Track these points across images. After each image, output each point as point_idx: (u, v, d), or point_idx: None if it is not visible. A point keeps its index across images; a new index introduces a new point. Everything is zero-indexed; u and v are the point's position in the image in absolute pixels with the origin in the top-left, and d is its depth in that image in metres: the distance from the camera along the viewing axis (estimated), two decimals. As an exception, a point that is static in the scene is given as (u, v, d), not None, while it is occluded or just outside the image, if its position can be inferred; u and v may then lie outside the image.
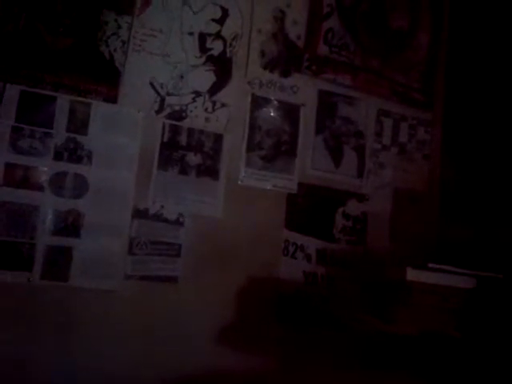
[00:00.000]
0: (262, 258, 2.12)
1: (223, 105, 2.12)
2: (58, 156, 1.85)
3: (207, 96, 2.10)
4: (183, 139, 2.05)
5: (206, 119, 2.09)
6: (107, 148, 1.93)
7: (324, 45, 2.33)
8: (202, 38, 2.12)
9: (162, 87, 2.03)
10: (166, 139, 2.02)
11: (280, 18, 2.26)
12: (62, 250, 1.84)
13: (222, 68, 2.14)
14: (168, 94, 2.04)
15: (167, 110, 2.03)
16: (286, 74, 2.25)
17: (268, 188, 2.17)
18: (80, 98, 1.90)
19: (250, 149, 2.16)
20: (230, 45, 2.16)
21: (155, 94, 2.02)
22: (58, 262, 1.83)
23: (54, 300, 1.82)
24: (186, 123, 2.06)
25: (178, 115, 2.05)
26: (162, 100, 2.03)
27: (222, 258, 2.05)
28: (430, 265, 1.86)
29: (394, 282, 1.89)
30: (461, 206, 2.35)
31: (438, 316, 1.81)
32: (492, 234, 2.11)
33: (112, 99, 1.95)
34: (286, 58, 2.26)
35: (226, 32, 2.16)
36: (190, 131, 2.06)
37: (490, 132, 2.29)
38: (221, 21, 2.15)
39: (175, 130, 2.04)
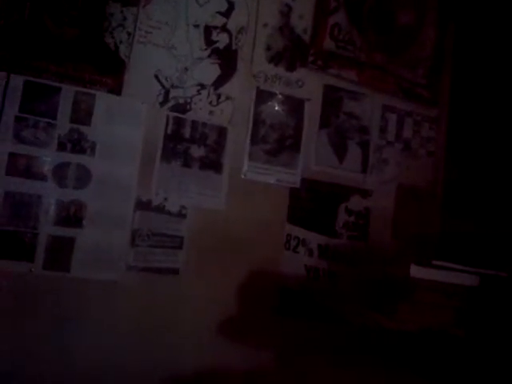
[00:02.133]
0: (263, 251, 2.12)
1: (228, 98, 2.12)
2: (61, 146, 1.85)
3: (212, 89, 2.10)
4: (187, 132, 2.05)
5: (211, 112, 2.09)
6: (111, 139, 1.92)
7: (330, 39, 2.32)
8: (208, 30, 2.11)
9: (166, 79, 2.03)
10: (169, 131, 2.02)
11: (286, 11, 2.25)
12: (64, 241, 1.84)
13: (227, 61, 2.14)
14: (172, 87, 2.03)
15: (171, 102, 2.03)
16: (291, 68, 2.25)
17: (271, 182, 2.17)
18: (84, 89, 1.90)
19: (253, 142, 2.16)
20: (236, 38, 2.15)
21: (160, 86, 2.02)
22: (60, 253, 1.83)
23: (55, 290, 1.82)
24: (190, 116, 2.05)
25: (182, 108, 2.05)
26: (167, 92, 2.02)
27: (224, 252, 2.05)
28: (434, 262, 1.85)
29: (397, 278, 1.89)
30: (464, 202, 2.35)
31: (440, 313, 1.81)
32: (496, 231, 2.11)
33: (116, 91, 1.95)
34: (291, 52, 2.25)
35: (232, 25, 2.15)
36: (194, 124, 2.06)
37: (495, 129, 2.29)
38: (227, 14, 2.14)
39: (179, 123, 2.04)
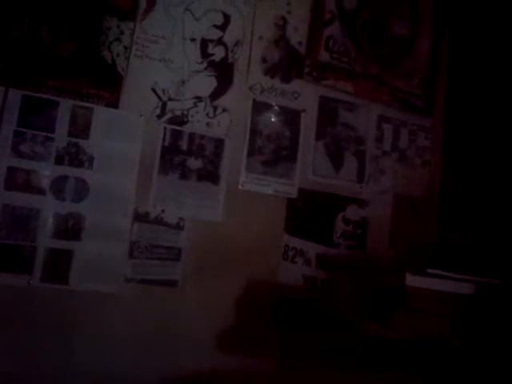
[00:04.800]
0: (261, 262, 2.13)
1: (224, 110, 2.14)
2: (59, 160, 1.87)
3: (208, 101, 2.12)
4: (184, 144, 2.06)
5: (207, 124, 2.11)
6: (108, 152, 1.94)
7: (325, 51, 2.34)
8: (204, 43, 2.13)
9: (163, 92, 2.05)
10: (167, 144, 2.04)
11: (281, 24, 2.27)
12: (62, 253, 1.85)
13: (224, 73, 2.16)
14: (169, 99, 2.05)
15: (168, 115, 2.05)
16: (287, 79, 2.26)
17: (268, 193, 2.18)
18: (82, 103, 1.92)
19: (250, 154, 2.17)
20: (232, 51, 2.18)
21: (157, 98, 2.03)
22: (59, 265, 1.84)
23: (53, 303, 1.83)
24: (187, 128, 2.07)
25: (180, 120, 2.06)
26: (164, 105, 2.04)
27: (222, 262, 2.05)
28: (429, 270, 1.86)
29: (393, 287, 1.89)
30: (460, 211, 2.35)
31: (436, 322, 1.81)
32: (491, 240, 2.11)
33: (114, 104, 1.97)
34: (287, 64, 2.27)
35: (228, 38, 2.17)
36: (191, 136, 2.08)
37: (490, 138, 2.30)
38: (223, 27, 2.16)
39: (176, 135, 2.05)
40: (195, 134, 2.08)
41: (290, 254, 2.19)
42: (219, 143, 2.12)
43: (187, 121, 2.08)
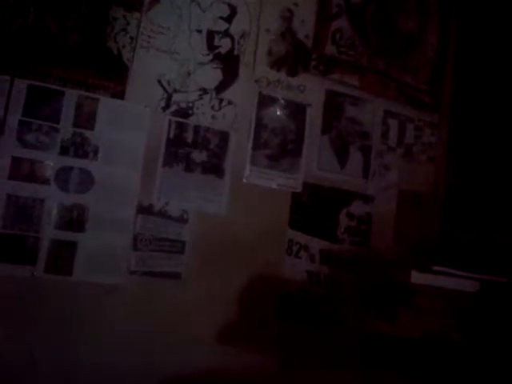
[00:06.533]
0: (265, 256, 2.12)
1: (230, 103, 2.13)
2: (64, 150, 1.86)
3: (214, 94, 2.10)
4: (189, 136, 2.05)
5: (213, 117, 2.09)
6: (113, 143, 1.93)
7: (332, 45, 2.33)
8: (210, 35, 2.12)
9: (169, 84, 2.03)
10: (172, 136, 2.03)
11: (288, 17, 2.25)
12: (66, 245, 1.84)
13: (230, 66, 2.14)
14: (175, 91, 2.04)
15: (174, 107, 2.04)
16: (293, 73, 2.25)
17: (273, 187, 2.17)
18: (87, 93, 1.91)
19: (255, 147, 2.16)
20: (238, 43, 2.16)
21: (162, 90, 2.02)
22: (62, 256, 1.84)
23: (57, 294, 1.83)
24: (192, 120, 2.06)
25: (185, 112, 2.05)
26: (169, 97, 2.03)
27: (226, 256, 2.05)
28: (434, 267, 1.86)
29: (398, 284, 1.89)
30: (465, 208, 2.35)
31: (441, 319, 1.81)
32: (496, 237, 2.11)
33: (119, 95, 1.96)
34: (293, 57, 2.25)
35: (234, 30, 2.15)
36: (196, 128, 2.06)
37: (497, 135, 2.29)
38: (229, 19, 2.15)
39: (181, 127, 2.04)
40: (200, 127, 2.07)
41: (294, 249, 2.18)
42: (224, 136, 2.11)
43: (192, 113, 2.07)
